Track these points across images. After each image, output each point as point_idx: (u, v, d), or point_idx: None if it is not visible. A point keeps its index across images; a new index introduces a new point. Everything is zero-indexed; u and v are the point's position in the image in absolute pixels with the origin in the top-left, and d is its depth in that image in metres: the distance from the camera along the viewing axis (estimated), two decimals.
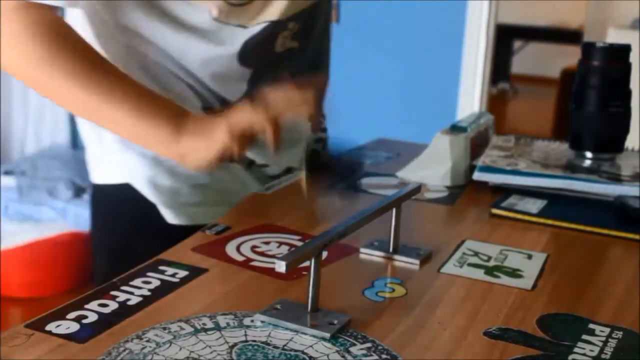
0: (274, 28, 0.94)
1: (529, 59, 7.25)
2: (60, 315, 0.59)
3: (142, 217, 0.98)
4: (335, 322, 0.58)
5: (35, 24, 0.84)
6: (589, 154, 1.06)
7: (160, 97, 0.89)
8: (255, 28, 0.92)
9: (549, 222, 0.87)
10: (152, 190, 0.97)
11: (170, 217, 0.97)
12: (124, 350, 0.54)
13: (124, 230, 1.00)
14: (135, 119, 0.85)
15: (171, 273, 0.68)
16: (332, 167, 0.89)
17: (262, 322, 0.59)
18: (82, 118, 0.94)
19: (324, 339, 0.57)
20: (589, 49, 1.05)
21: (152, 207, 0.97)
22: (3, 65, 0.87)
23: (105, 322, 0.58)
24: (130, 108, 0.85)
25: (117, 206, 1.01)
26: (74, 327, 0.57)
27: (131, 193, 0.97)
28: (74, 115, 0.95)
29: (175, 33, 0.91)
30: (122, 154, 0.97)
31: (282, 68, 0.96)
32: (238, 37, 0.92)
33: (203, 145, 0.84)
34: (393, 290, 0.67)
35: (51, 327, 0.57)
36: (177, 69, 0.94)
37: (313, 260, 0.59)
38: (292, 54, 0.98)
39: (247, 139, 0.83)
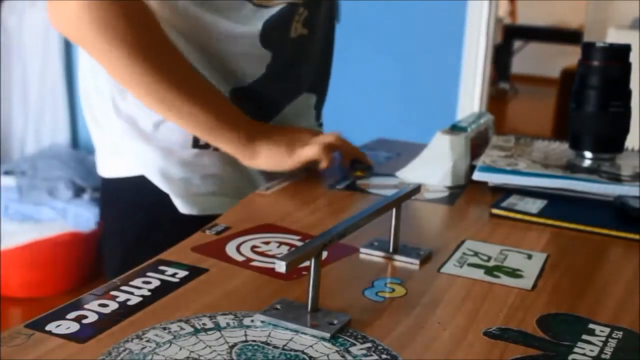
0: (290, 11, 0.99)
1: (529, 59, 7.26)
2: (60, 315, 0.59)
3: (156, 208, 1.01)
4: (336, 322, 0.58)
5: (128, 8, 0.87)
6: (589, 154, 1.06)
7: (230, 103, 0.97)
8: (273, 9, 0.98)
9: (549, 222, 0.87)
10: (165, 181, 0.99)
11: (183, 207, 0.99)
12: (124, 350, 0.54)
13: (138, 223, 1.03)
14: (216, 122, 0.94)
15: (171, 273, 0.68)
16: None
17: (262, 322, 0.59)
18: (151, 109, 0.95)
19: (324, 339, 0.57)
20: (589, 49, 1.05)
21: (165, 198, 1.00)
22: (75, 34, 0.89)
23: (105, 322, 0.58)
24: (210, 111, 0.93)
25: (132, 198, 1.03)
26: (74, 327, 0.57)
27: (145, 185, 1.00)
28: (143, 103, 0.94)
29: (202, 13, 0.95)
30: (135, 148, 1.00)
31: (297, 54, 1.04)
32: (258, 17, 0.97)
33: (280, 152, 0.96)
34: (393, 290, 0.67)
35: (51, 327, 0.57)
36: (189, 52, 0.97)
37: (313, 260, 0.59)
38: (303, 40, 1.03)
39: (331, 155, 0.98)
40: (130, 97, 0.97)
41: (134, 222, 1.04)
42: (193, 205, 1.00)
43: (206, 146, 1.00)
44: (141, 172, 1.00)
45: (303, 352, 0.55)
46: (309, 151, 0.97)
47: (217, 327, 0.58)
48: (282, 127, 1.02)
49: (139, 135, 0.99)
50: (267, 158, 0.96)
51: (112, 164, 1.04)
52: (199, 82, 0.95)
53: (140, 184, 1.00)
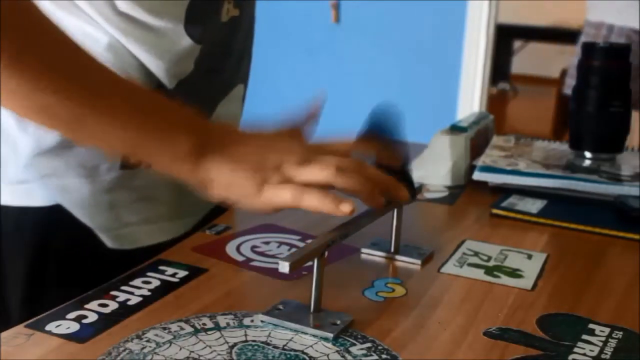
0: None
1: (529, 59, 7.25)
2: (60, 315, 0.59)
3: (75, 243, 0.79)
4: (338, 322, 0.58)
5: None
6: (588, 154, 1.06)
7: (167, 100, 0.68)
8: None
9: (549, 222, 0.87)
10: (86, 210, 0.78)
11: (110, 241, 0.80)
12: (124, 350, 0.54)
13: (53, 260, 0.80)
14: (135, 132, 0.64)
15: (171, 273, 0.68)
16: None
17: (263, 322, 0.59)
18: (53, 129, 0.67)
19: (327, 339, 0.57)
20: (589, 49, 1.05)
21: (86, 232, 0.79)
22: None
23: (105, 322, 0.58)
24: (126, 117, 0.63)
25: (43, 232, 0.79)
26: (74, 327, 0.57)
27: (60, 216, 0.78)
28: (20, 115, 0.65)
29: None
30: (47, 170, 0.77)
31: (229, 41, 0.84)
32: (179, 2, 0.75)
33: (243, 184, 0.64)
34: (393, 290, 0.67)
35: (51, 327, 0.57)
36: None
37: (316, 261, 0.59)
38: (234, 23, 0.83)
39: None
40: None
41: (46, 259, 0.80)
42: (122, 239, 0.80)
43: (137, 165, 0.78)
44: (56, 200, 0.78)
45: (303, 352, 0.55)
46: (286, 194, 0.63)
47: (217, 327, 0.58)
48: (250, 134, 0.69)
49: (50, 154, 0.76)
50: (227, 188, 0.65)
51: (16, 190, 0.78)
52: (109, 78, 0.64)
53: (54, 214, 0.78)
